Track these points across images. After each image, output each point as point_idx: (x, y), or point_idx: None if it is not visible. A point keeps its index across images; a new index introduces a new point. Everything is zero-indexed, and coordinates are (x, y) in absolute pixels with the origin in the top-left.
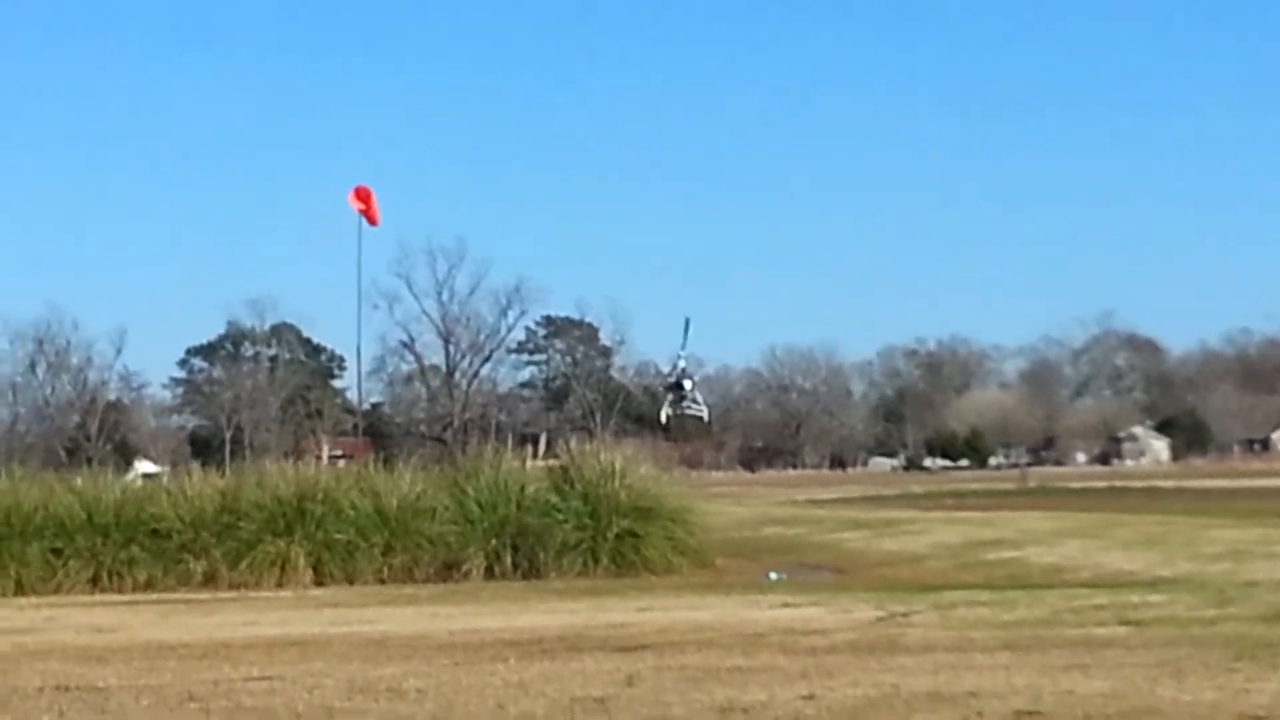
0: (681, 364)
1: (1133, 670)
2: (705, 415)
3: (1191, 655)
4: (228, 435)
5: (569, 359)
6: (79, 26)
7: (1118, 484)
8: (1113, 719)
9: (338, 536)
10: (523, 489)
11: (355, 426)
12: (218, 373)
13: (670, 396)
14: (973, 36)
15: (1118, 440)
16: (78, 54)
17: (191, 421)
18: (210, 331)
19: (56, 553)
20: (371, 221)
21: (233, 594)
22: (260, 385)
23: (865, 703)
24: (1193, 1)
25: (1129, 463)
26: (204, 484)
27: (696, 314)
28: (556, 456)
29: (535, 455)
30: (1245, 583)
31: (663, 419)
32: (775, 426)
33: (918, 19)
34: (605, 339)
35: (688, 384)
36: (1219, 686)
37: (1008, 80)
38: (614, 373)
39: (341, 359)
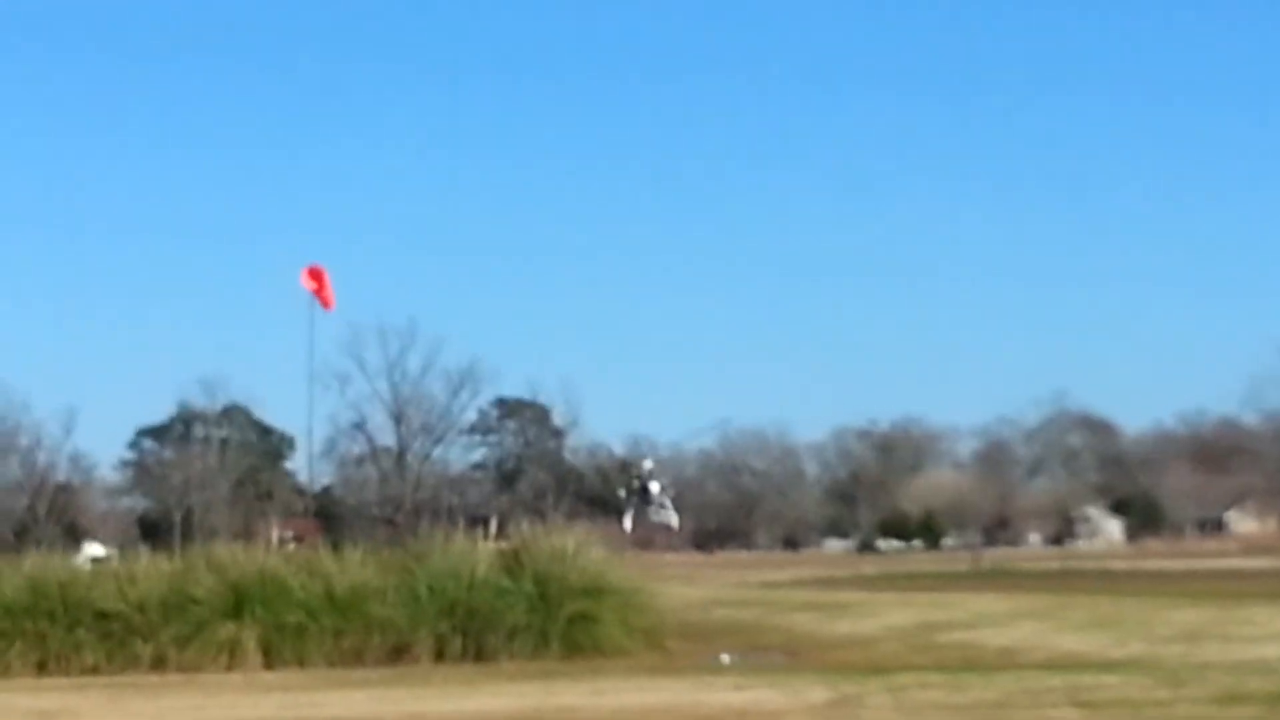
0: (648, 465)
1: None
2: (675, 523)
3: None
4: (177, 517)
5: (521, 440)
6: (32, 101)
7: (1071, 565)
8: None
9: (288, 619)
10: (473, 571)
11: (306, 509)
12: (168, 454)
13: (636, 502)
14: (930, 109)
15: (1071, 520)
16: (27, 130)
17: (141, 503)
18: (161, 412)
19: (2, 635)
20: (325, 305)
21: (181, 677)
22: (210, 467)
23: None
24: (1141, 71)
25: (1082, 543)
26: (152, 566)
27: (649, 394)
28: (508, 538)
29: (486, 537)
30: (1199, 664)
31: (627, 525)
32: (728, 507)
33: (867, 79)
34: (558, 420)
35: (655, 486)
36: None
37: (962, 156)
38: (566, 454)
39: (292, 440)
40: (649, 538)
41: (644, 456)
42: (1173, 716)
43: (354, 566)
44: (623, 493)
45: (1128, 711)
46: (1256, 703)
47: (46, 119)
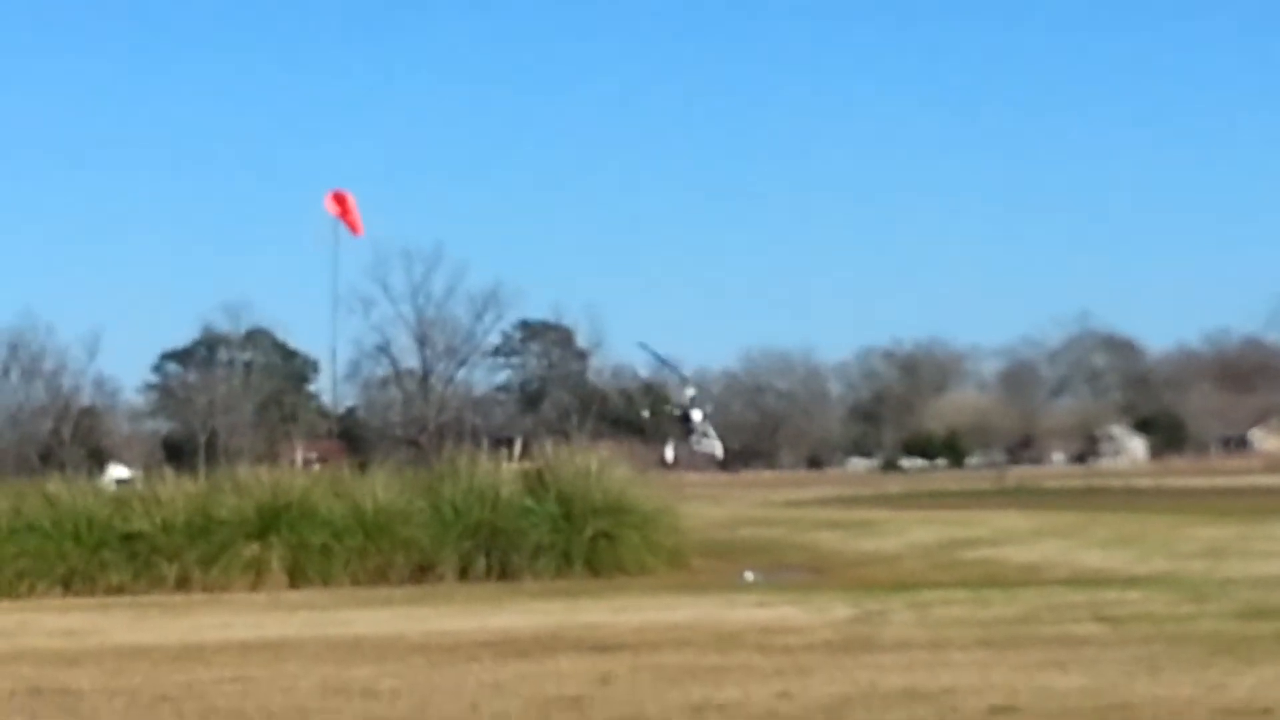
0: (690, 393)
1: (1109, 667)
2: (719, 451)
3: (1167, 652)
4: (202, 440)
5: (545, 362)
6: (53, 30)
7: (1095, 483)
8: (1089, 715)
9: (312, 540)
10: (497, 492)
11: (329, 431)
12: (192, 378)
13: (677, 430)
14: (951, 35)
15: (1095, 440)
16: (51, 58)
17: (165, 426)
18: (184, 336)
19: (29, 556)
20: (354, 229)
21: (206, 597)
22: (234, 390)
23: (841, 700)
24: (1170, 5)
25: (1106, 462)
26: (177, 488)
27: (674, 316)
28: (532, 459)
29: (510, 458)
30: (1221, 580)
31: (668, 457)
32: (752, 428)
33: (890, 14)
34: (581, 342)
35: (697, 415)
36: (1195, 682)
37: (987, 81)
38: (590, 376)
39: (316, 363)
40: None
41: (685, 382)
42: (1195, 631)
43: (379, 487)
44: (653, 418)
45: (1150, 626)
46: (1278, 617)
47: (73, 40)
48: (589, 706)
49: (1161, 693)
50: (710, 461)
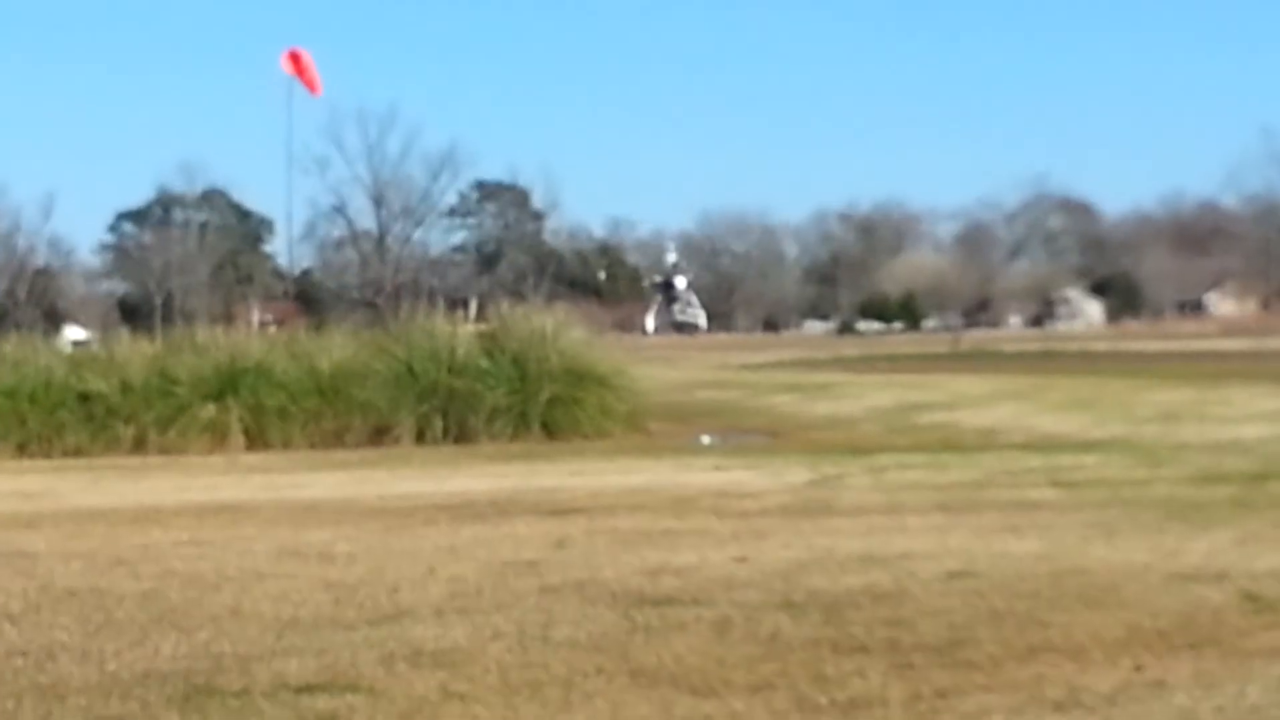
0: (671, 259)
1: (1064, 531)
2: (702, 321)
3: (1123, 516)
4: (157, 301)
5: (501, 223)
6: None
7: (1051, 347)
8: (1044, 579)
9: (269, 402)
10: (454, 353)
11: (285, 292)
12: (147, 238)
13: (659, 299)
14: None
15: (1051, 302)
16: None
17: (121, 287)
18: (140, 196)
19: None
20: (311, 89)
21: (163, 459)
22: (190, 250)
23: (797, 565)
24: None
25: (1062, 325)
26: (134, 349)
27: (629, 178)
28: (488, 321)
29: (466, 319)
30: (1177, 445)
31: (649, 326)
32: (708, 290)
33: None
34: (537, 203)
35: (680, 283)
36: (1150, 547)
37: None
38: (546, 237)
39: (272, 224)
40: (630, 320)
41: (665, 249)
42: (1150, 496)
43: (335, 349)
44: (609, 279)
45: (1106, 491)
46: (1233, 482)
47: None
48: (545, 570)
49: (1117, 558)
50: (694, 331)
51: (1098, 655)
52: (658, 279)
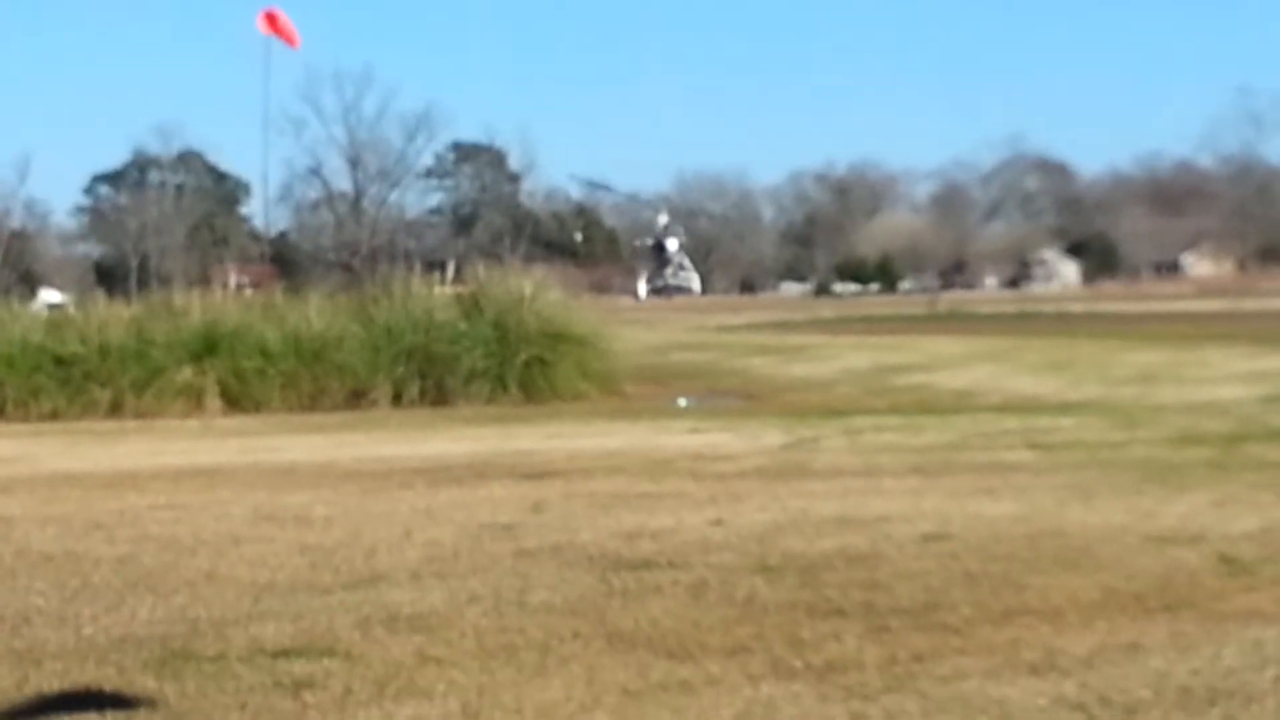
0: (663, 220)
1: (1040, 493)
2: (697, 285)
3: (1099, 478)
4: (134, 264)
5: (478, 184)
6: None
7: (1027, 308)
8: (1020, 541)
9: (246, 365)
10: (431, 316)
11: (261, 254)
12: (123, 200)
13: (650, 264)
14: None
15: (1027, 264)
16: None
17: (97, 250)
18: (116, 158)
19: None
20: (290, 43)
21: (140, 423)
22: (166, 213)
23: (773, 527)
24: None
25: (1039, 286)
26: (110, 313)
27: (606, 139)
28: (465, 283)
29: (443, 282)
30: (1153, 406)
31: (640, 293)
32: (685, 251)
33: None
34: (514, 165)
35: (672, 244)
36: (1126, 509)
37: None
38: (523, 198)
39: (248, 186)
40: (607, 281)
41: (656, 209)
42: (1127, 458)
43: (313, 312)
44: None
45: (1082, 453)
46: (1209, 444)
47: None
48: (522, 533)
49: (1093, 520)
50: (688, 294)
51: (1073, 618)
52: (649, 241)
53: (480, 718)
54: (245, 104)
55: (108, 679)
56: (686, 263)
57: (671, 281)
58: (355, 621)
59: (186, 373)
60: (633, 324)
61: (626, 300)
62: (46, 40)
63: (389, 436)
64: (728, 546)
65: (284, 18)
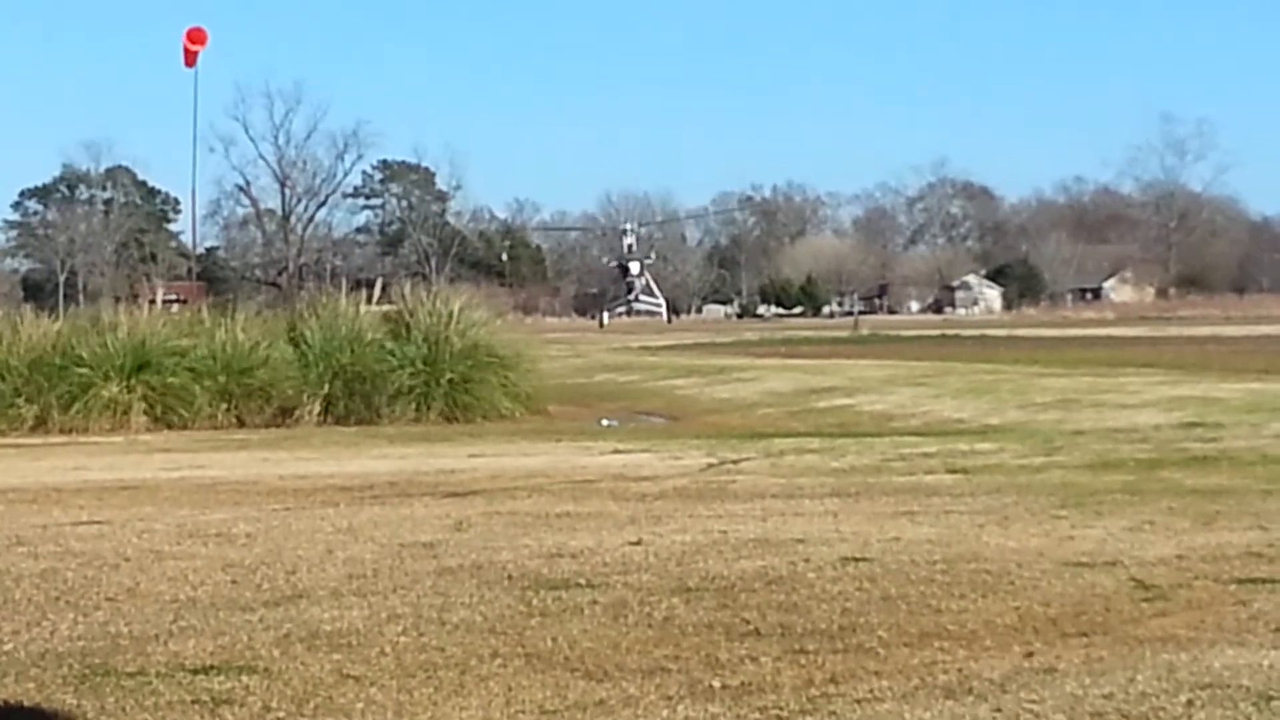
0: (629, 242)
1: (959, 517)
2: (664, 312)
3: (1018, 503)
4: (61, 279)
5: (405, 204)
6: None
7: (950, 332)
8: (938, 565)
9: (172, 382)
10: (359, 334)
11: (189, 271)
12: (52, 215)
13: (613, 285)
14: None
15: (951, 289)
16: None
17: (24, 265)
18: (45, 173)
19: None
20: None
21: (65, 438)
22: (94, 229)
23: (693, 548)
24: None
25: (961, 311)
26: (36, 328)
27: (533, 159)
28: (392, 302)
29: (370, 300)
30: (1073, 431)
31: (602, 320)
32: (610, 273)
33: None
34: (442, 184)
35: (634, 267)
36: (1044, 533)
37: None
38: (450, 218)
39: (176, 202)
40: (532, 302)
41: (624, 232)
42: (1045, 482)
43: (240, 329)
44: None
45: (1002, 477)
46: (1128, 469)
47: None
48: (443, 552)
49: (1011, 544)
50: (653, 317)
51: (989, 642)
52: (613, 264)
53: None
54: (175, 120)
55: (27, 695)
56: (653, 286)
57: (636, 305)
58: (275, 639)
59: (113, 389)
60: (558, 344)
61: (589, 324)
62: None
63: (314, 454)
64: (647, 567)
65: (206, 38)
